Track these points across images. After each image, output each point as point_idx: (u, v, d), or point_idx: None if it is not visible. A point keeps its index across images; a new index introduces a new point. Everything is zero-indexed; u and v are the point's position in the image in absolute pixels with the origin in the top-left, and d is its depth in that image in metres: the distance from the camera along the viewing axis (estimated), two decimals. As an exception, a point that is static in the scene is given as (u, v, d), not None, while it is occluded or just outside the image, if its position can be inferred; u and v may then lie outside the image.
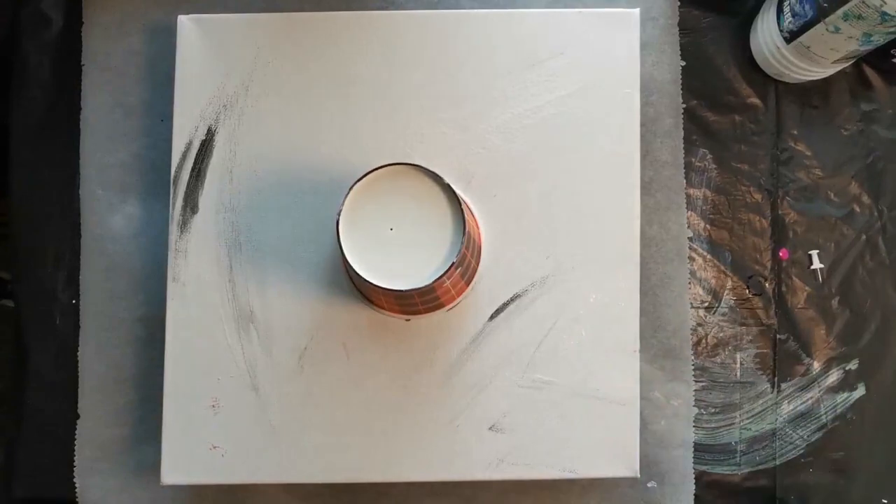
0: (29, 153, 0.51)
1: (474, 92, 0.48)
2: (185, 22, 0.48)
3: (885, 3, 0.40)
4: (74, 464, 0.49)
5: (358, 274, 0.38)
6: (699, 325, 0.51)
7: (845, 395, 0.51)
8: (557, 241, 0.47)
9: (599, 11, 0.48)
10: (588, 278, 0.47)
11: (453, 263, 0.38)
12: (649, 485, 0.49)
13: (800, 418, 0.51)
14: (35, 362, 0.50)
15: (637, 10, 0.48)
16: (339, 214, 0.38)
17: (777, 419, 0.50)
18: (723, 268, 0.51)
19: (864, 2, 0.41)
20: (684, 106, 0.51)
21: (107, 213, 0.51)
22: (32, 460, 0.50)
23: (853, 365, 0.51)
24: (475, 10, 0.49)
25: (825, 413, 0.51)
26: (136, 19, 0.51)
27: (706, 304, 0.51)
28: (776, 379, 0.51)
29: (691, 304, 0.51)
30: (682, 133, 0.51)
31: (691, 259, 0.51)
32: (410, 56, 0.48)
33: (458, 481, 0.48)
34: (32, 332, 0.50)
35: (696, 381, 0.50)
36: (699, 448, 0.50)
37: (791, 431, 0.50)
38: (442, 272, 0.38)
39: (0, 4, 0.51)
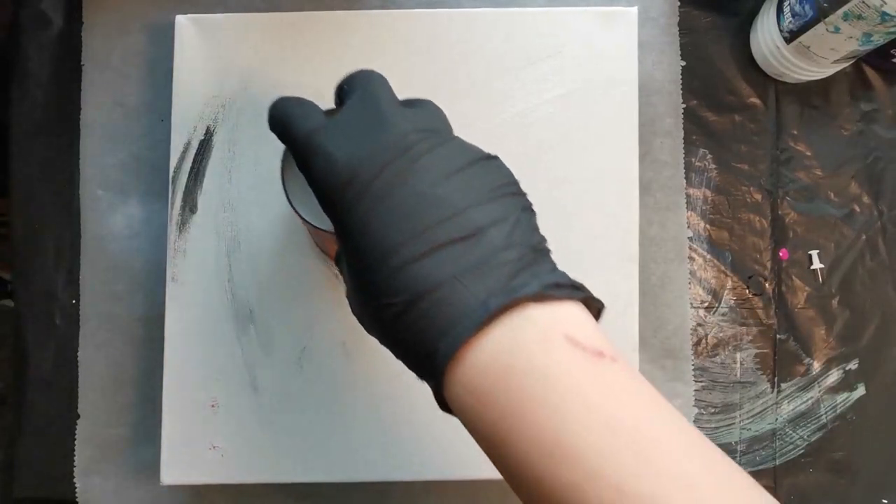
0: (29, 153, 0.51)
1: (472, 91, 0.47)
2: (182, 22, 0.48)
3: (886, 2, 0.40)
4: (74, 464, 0.49)
5: (306, 220, 0.37)
6: (699, 325, 0.51)
7: (845, 395, 0.51)
8: (556, 239, 0.46)
9: (597, 10, 0.48)
10: (587, 276, 0.46)
11: None
12: (649, 485, 0.49)
13: (800, 418, 0.51)
14: (35, 362, 0.50)
15: (635, 9, 0.48)
16: (282, 161, 0.37)
17: (777, 419, 0.50)
18: (723, 268, 0.51)
19: (864, 2, 0.41)
20: (684, 106, 0.51)
21: (107, 213, 0.51)
22: (32, 460, 0.50)
23: (853, 365, 0.51)
24: (472, 9, 0.49)
25: (825, 413, 0.51)
26: (136, 19, 0.51)
27: (706, 304, 0.51)
28: (776, 379, 0.51)
29: (691, 304, 0.51)
30: (682, 133, 0.51)
31: (691, 259, 0.51)
32: (409, 55, 0.48)
33: (459, 481, 0.48)
34: (32, 332, 0.50)
35: (696, 381, 0.50)
36: (699, 448, 0.50)
37: (791, 431, 0.50)
38: None
39: (0, 4, 0.51)
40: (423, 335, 0.26)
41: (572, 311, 0.27)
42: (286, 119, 0.30)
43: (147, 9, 0.51)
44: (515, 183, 0.29)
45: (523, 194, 0.29)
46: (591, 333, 0.26)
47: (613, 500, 0.23)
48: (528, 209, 0.29)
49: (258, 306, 0.46)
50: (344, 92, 0.31)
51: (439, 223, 0.26)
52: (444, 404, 0.28)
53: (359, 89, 0.30)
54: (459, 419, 0.28)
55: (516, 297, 0.25)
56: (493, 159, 0.29)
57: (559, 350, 0.25)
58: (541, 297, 0.26)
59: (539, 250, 0.28)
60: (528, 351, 0.25)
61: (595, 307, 0.29)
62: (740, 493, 0.25)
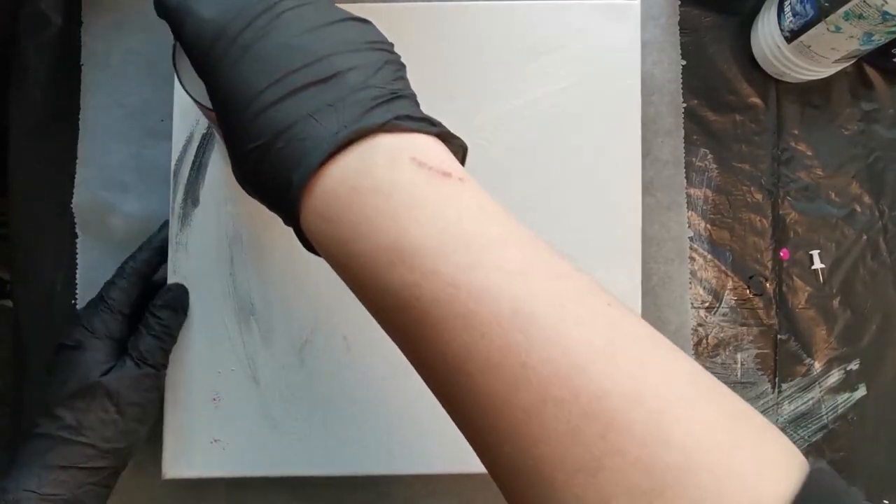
0: (29, 153, 0.51)
1: (473, 84, 0.47)
2: None
3: (887, 2, 0.40)
4: (74, 463, 0.49)
5: (197, 101, 0.37)
6: (700, 325, 0.51)
7: (846, 395, 0.51)
8: (558, 233, 0.46)
9: (599, 3, 0.48)
10: (590, 270, 0.46)
11: None
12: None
13: (801, 418, 0.50)
14: (35, 362, 0.50)
15: (637, 2, 0.48)
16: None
17: (778, 419, 0.50)
18: (723, 268, 0.51)
19: (865, 1, 0.41)
20: (685, 105, 0.51)
21: (107, 213, 0.51)
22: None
23: (854, 365, 0.51)
24: (474, 3, 0.49)
25: (826, 413, 0.51)
26: (135, 19, 0.51)
27: (707, 305, 0.51)
28: (777, 379, 0.51)
29: (692, 304, 0.51)
30: (682, 133, 0.51)
31: (692, 259, 0.51)
32: (409, 48, 0.47)
33: (458, 482, 0.48)
34: (32, 332, 0.50)
35: (696, 382, 0.50)
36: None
37: (792, 432, 0.50)
38: None
39: (0, 4, 0.51)
40: (280, 173, 0.27)
41: (423, 140, 0.27)
42: None
43: (147, 8, 0.51)
44: (386, 42, 0.30)
45: (395, 53, 0.29)
46: (440, 158, 0.27)
47: (448, 294, 0.24)
48: (395, 63, 0.29)
49: (260, 300, 0.46)
50: None
51: (298, 69, 0.27)
52: (307, 242, 0.28)
53: None
54: (319, 252, 0.28)
55: (366, 126, 0.26)
56: (364, 21, 0.30)
57: (404, 169, 0.26)
58: (392, 126, 0.26)
59: (402, 95, 0.28)
60: (374, 172, 0.26)
61: (458, 146, 0.29)
62: (573, 287, 0.26)
